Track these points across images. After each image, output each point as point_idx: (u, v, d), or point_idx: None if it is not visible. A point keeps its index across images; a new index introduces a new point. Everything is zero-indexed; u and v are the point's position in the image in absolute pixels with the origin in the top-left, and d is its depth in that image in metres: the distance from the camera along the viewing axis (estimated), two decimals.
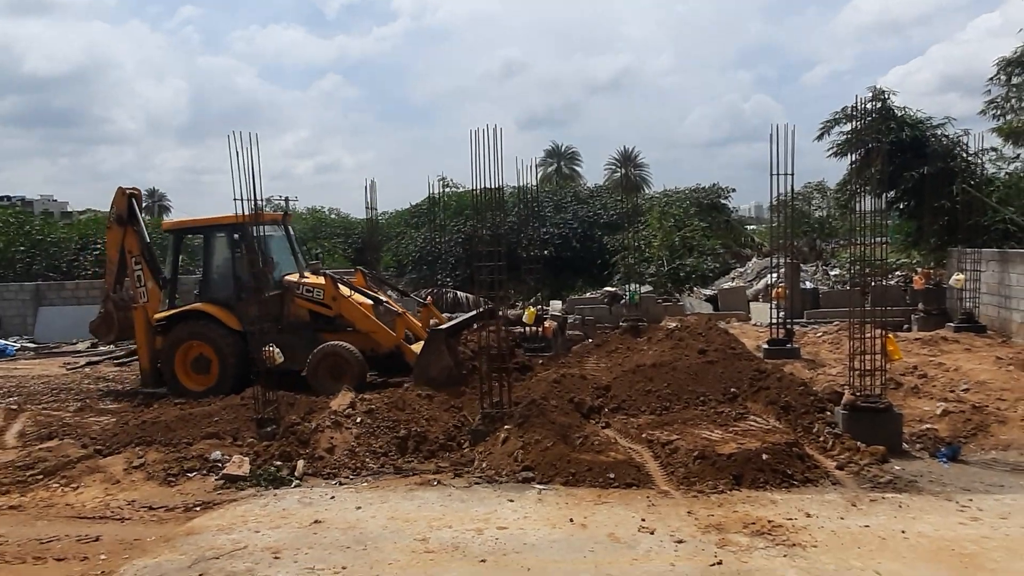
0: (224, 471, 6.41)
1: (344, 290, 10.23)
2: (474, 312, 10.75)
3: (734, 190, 24.17)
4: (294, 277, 10.49)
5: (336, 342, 9.70)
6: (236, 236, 10.10)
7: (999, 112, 15.82)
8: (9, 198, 53.91)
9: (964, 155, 14.73)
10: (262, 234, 10.64)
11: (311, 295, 10.20)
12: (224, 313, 10.04)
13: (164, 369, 10.28)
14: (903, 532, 4.81)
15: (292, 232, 11.59)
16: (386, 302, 10.68)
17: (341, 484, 6.26)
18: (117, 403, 10.09)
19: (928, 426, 7.17)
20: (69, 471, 6.58)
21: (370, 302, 10.42)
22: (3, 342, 16.05)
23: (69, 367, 13.47)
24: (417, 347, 9.50)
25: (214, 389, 9.64)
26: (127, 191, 10.65)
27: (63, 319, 17.52)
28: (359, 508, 5.59)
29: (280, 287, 10.29)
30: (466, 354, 9.16)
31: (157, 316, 10.36)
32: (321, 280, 10.28)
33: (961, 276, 12.46)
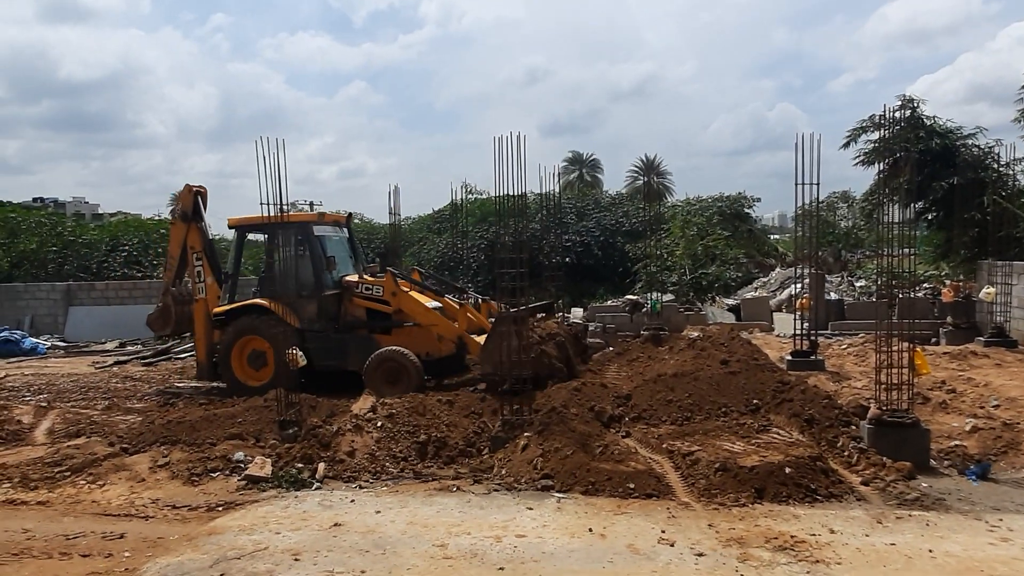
0: (246, 472, 6.48)
1: (404, 285, 10.28)
2: (542, 302, 10.77)
3: (759, 199, 23.99)
4: (353, 278, 10.59)
5: (394, 347, 9.72)
6: (300, 235, 10.25)
7: None
8: (43, 200, 55.16)
9: (996, 165, 14.47)
10: (325, 234, 10.80)
11: (370, 292, 10.27)
12: (283, 309, 10.05)
13: (221, 363, 10.37)
14: (930, 551, 4.71)
15: (353, 235, 11.68)
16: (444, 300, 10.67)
17: (361, 488, 6.29)
18: (143, 402, 10.26)
19: (957, 443, 7.02)
20: (96, 469, 6.69)
21: (432, 299, 10.46)
22: (34, 340, 16.40)
23: (98, 366, 13.72)
24: (481, 339, 9.50)
25: (270, 385, 9.52)
26: (193, 188, 10.79)
27: (93, 319, 17.88)
28: (378, 512, 5.62)
29: (339, 287, 10.39)
30: (533, 338, 9.03)
31: (216, 310, 10.48)
32: (381, 278, 10.34)
33: (991, 289, 12.21)
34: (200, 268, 10.69)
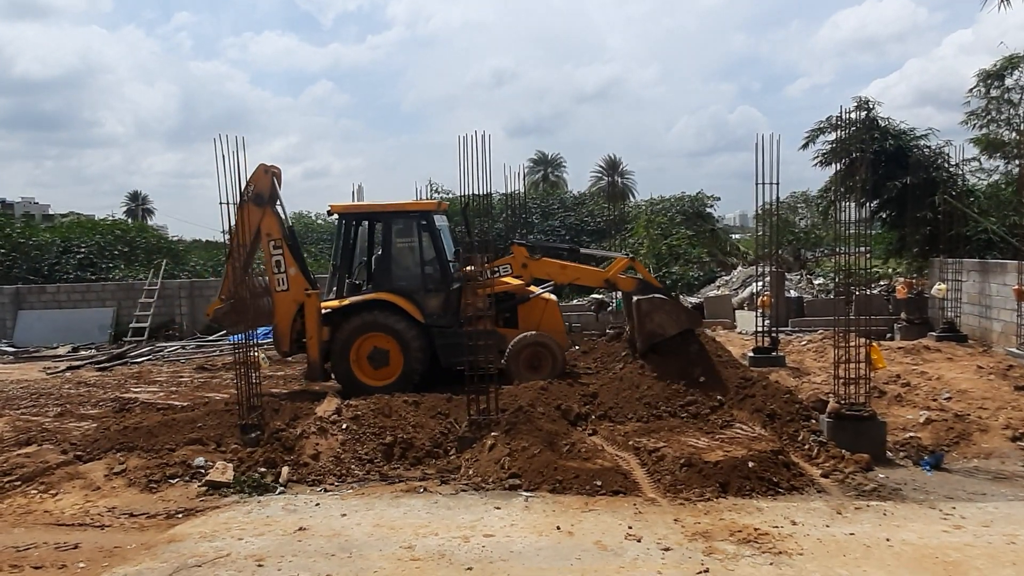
0: (207, 478, 6.33)
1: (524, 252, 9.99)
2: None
3: (718, 198, 24.34)
4: (469, 268, 10.25)
5: (534, 332, 9.53)
6: (424, 224, 9.83)
7: (979, 123, 16.09)
8: None
9: (946, 166, 14.95)
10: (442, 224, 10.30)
11: (497, 274, 9.73)
12: (408, 304, 9.61)
13: (336, 362, 9.64)
14: (887, 540, 4.84)
15: (470, 222, 11.24)
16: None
17: (326, 491, 6.20)
18: (98, 408, 9.94)
19: (911, 434, 7.24)
20: (48, 477, 6.46)
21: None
22: None
23: (49, 372, 13.27)
24: (625, 275, 9.59)
25: (396, 384, 9.14)
26: (269, 169, 9.75)
27: (44, 323, 17.28)
28: (344, 515, 5.54)
29: (462, 280, 9.79)
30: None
31: (328, 304, 9.75)
32: (507, 258, 9.96)
33: (943, 286, 12.62)
34: (280, 257, 9.65)
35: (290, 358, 10.72)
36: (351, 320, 9.59)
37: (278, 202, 9.75)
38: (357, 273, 10.51)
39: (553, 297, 10.34)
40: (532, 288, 10.18)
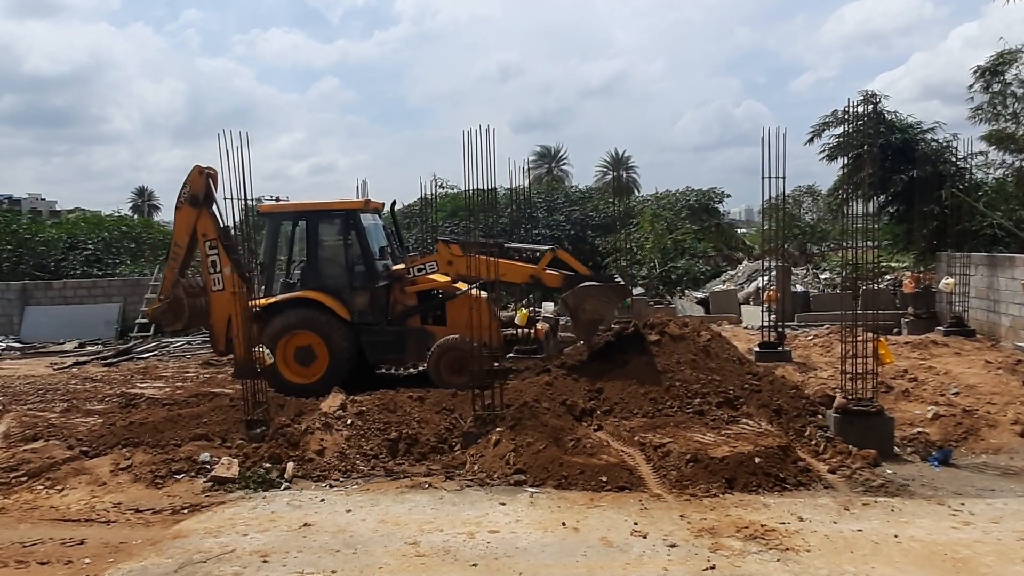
0: (212, 473, 6.33)
1: (455, 250, 9.86)
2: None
3: (729, 195, 24.28)
4: (401, 266, 10.18)
5: (455, 336, 9.40)
6: (350, 222, 9.81)
7: (986, 117, 15.96)
8: None
9: (953, 159, 14.84)
10: (368, 223, 10.22)
11: (423, 272, 9.80)
12: (333, 302, 9.64)
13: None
14: (896, 536, 4.81)
15: (398, 221, 11.10)
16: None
17: (331, 487, 6.20)
18: (104, 404, 9.96)
19: (919, 430, 7.19)
20: (54, 473, 6.48)
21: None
22: None
23: (56, 367, 13.32)
24: (551, 271, 9.51)
25: (322, 382, 9.12)
26: (204, 170, 9.88)
27: (50, 319, 17.34)
28: (349, 511, 5.54)
29: (389, 278, 9.95)
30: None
31: (256, 302, 9.65)
32: (432, 255, 9.91)
33: (950, 280, 12.53)
34: (215, 257, 9.78)
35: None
36: (277, 318, 9.65)
37: (214, 202, 9.88)
38: (292, 272, 10.58)
39: (483, 293, 10.31)
40: (460, 285, 10.06)
